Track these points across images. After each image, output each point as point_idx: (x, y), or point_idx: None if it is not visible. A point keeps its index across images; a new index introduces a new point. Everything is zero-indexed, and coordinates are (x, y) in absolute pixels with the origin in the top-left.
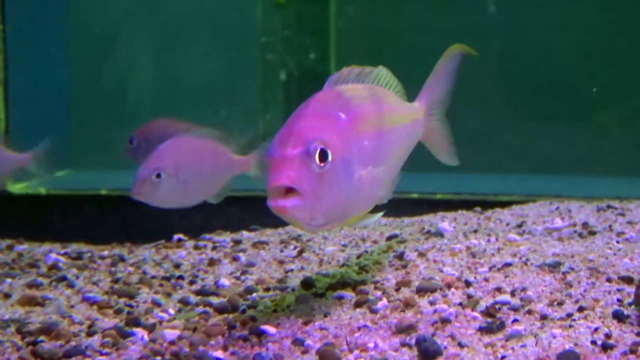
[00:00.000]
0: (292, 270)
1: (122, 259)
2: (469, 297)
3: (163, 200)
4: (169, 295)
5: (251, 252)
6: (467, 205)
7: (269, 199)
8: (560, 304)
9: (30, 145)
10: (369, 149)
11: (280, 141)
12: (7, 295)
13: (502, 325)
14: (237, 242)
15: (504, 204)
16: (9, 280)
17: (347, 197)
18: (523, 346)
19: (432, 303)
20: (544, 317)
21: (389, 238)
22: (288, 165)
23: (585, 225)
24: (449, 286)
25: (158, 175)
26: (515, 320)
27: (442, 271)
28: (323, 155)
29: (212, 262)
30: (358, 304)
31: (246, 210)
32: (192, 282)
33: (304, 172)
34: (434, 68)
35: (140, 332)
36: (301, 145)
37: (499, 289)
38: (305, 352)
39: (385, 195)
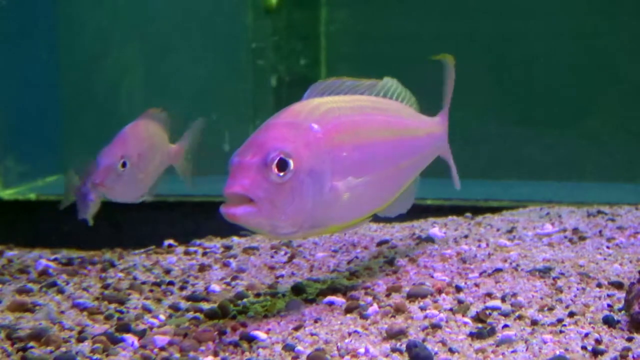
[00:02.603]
0: (282, 276)
1: (112, 265)
2: (460, 302)
3: (122, 194)
4: (159, 301)
5: (242, 258)
6: (458, 211)
7: (222, 205)
8: (551, 309)
9: None
10: (348, 160)
11: (242, 149)
12: None
13: (492, 331)
14: (228, 248)
15: (494, 210)
16: None
17: (317, 206)
18: (513, 352)
19: (422, 309)
20: (534, 323)
21: (380, 244)
22: (244, 173)
23: (575, 230)
24: (439, 292)
25: (123, 165)
26: (505, 326)
27: (432, 277)
28: (282, 165)
29: (202, 268)
30: (349, 310)
31: None
32: (182, 288)
33: (259, 180)
34: (446, 83)
35: (130, 338)
36: (260, 154)
37: (489, 295)
38: (295, 357)
39: (392, 206)
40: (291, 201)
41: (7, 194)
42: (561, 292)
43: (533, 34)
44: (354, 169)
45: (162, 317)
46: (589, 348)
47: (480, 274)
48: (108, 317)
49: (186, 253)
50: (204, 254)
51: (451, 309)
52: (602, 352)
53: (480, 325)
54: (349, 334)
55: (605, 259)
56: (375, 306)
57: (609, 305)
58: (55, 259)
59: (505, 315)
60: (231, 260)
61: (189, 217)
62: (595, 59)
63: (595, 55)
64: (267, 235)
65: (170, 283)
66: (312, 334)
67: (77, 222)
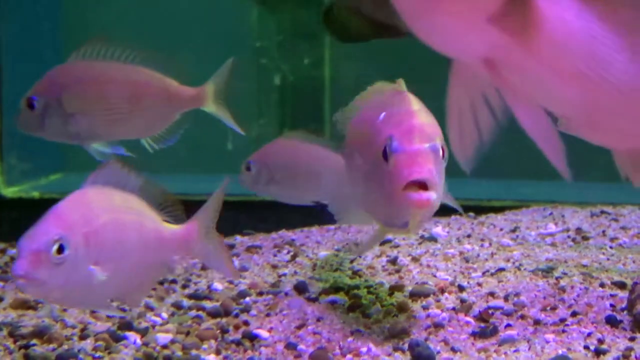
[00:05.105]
0: (285, 275)
1: None
2: (462, 301)
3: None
4: (161, 299)
5: (244, 257)
6: None
7: (405, 191)
8: (554, 309)
9: None
10: None
11: (411, 135)
12: None
13: (495, 330)
14: (231, 247)
15: (497, 210)
16: (1, 283)
17: None
18: (516, 351)
19: (425, 308)
20: (537, 322)
21: (382, 243)
22: (425, 159)
23: (578, 230)
24: (442, 291)
25: (60, 249)
26: (508, 325)
27: (435, 276)
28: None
29: (205, 266)
30: (351, 309)
31: (240, 214)
32: (185, 286)
33: (435, 168)
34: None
35: (132, 335)
36: (428, 140)
37: (492, 294)
38: (298, 356)
39: None
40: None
41: (10, 191)
42: (564, 291)
43: None
44: None
45: (165, 315)
46: (592, 348)
47: (483, 273)
48: (110, 315)
49: None
50: None
51: (454, 308)
52: (604, 352)
53: (482, 324)
54: (352, 333)
55: (608, 259)
56: (377, 305)
57: (611, 305)
58: None
59: (508, 314)
60: (234, 258)
61: (191, 216)
62: None
63: None
64: (420, 225)
65: (173, 281)
66: (314, 333)
67: None
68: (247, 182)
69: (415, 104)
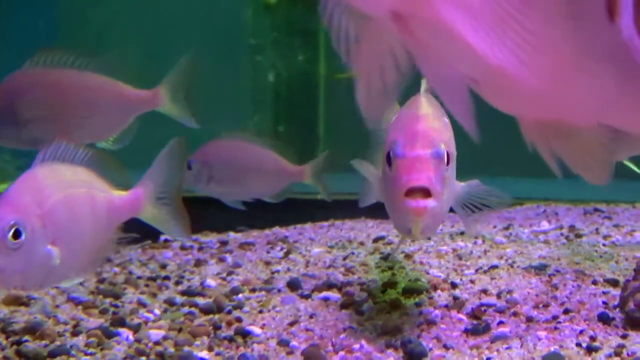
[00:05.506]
0: (278, 272)
1: (108, 259)
2: (455, 298)
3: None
4: (154, 295)
5: (237, 253)
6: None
7: (405, 198)
8: (546, 306)
9: None
10: None
11: (413, 141)
12: None
13: (487, 327)
14: (224, 243)
15: None
16: None
17: None
18: (508, 348)
19: (418, 305)
20: (529, 320)
21: (376, 240)
22: (425, 166)
23: (571, 228)
24: (435, 288)
25: (17, 234)
26: (500, 322)
27: (428, 273)
28: None
29: (198, 263)
30: (344, 305)
31: (233, 211)
32: (178, 283)
33: (437, 174)
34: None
35: (125, 332)
36: (430, 146)
37: (484, 291)
38: (290, 353)
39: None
40: (448, 198)
41: (4, 187)
42: (557, 289)
43: None
44: None
45: (157, 311)
46: (584, 345)
47: (476, 270)
48: (103, 311)
49: (182, 248)
50: (200, 248)
51: (446, 306)
52: (596, 349)
53: (475, 321)
54: (344, 330)
55: (601, 257)
56: (370, 302)
57: (604, 303)
58: None
59: (501, 311)
60: (227, 255)
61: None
62: None
63: None
64: (422, 233)
65: (166, 278)
66: (307, 330)
67: None
68: (189, 181)
69: (424, 108)
